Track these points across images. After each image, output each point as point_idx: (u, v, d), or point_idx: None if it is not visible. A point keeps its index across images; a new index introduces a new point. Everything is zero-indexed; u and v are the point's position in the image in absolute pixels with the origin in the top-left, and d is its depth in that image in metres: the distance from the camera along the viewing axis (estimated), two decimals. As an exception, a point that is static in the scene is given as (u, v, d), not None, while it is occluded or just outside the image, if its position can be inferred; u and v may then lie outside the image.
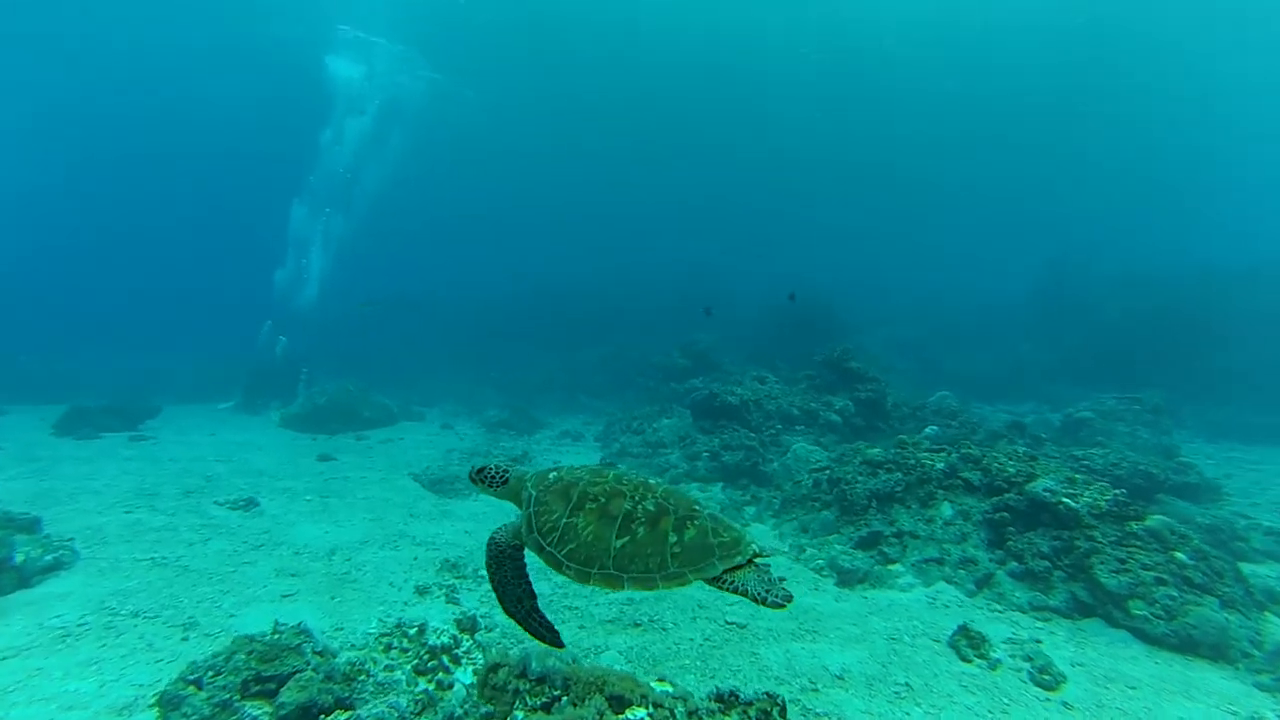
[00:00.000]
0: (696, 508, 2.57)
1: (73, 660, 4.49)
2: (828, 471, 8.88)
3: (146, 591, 5.63)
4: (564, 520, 2.54)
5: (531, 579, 2.73)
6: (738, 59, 34.09)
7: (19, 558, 5.60)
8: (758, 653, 4.96)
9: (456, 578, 6.15)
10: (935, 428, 11.86)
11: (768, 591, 2.37)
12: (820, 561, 7.16)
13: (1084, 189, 46.37)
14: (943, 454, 8.09)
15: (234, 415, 16.77)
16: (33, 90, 35.69)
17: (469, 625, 4.60)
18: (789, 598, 2.34)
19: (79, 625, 4.97)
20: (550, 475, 2.78)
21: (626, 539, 2.44)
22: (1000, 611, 5.83)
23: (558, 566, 2.48)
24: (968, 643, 4.87)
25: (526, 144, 40.49)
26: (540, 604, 2.73)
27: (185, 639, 4.83)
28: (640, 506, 2.52)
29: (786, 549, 7.78)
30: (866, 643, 5.21)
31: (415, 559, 6.57)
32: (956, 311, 31.61)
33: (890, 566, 6.92)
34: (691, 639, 5.16)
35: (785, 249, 44.07)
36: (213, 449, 12.23)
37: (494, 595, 2.74)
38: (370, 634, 4.96)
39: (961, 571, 6.51)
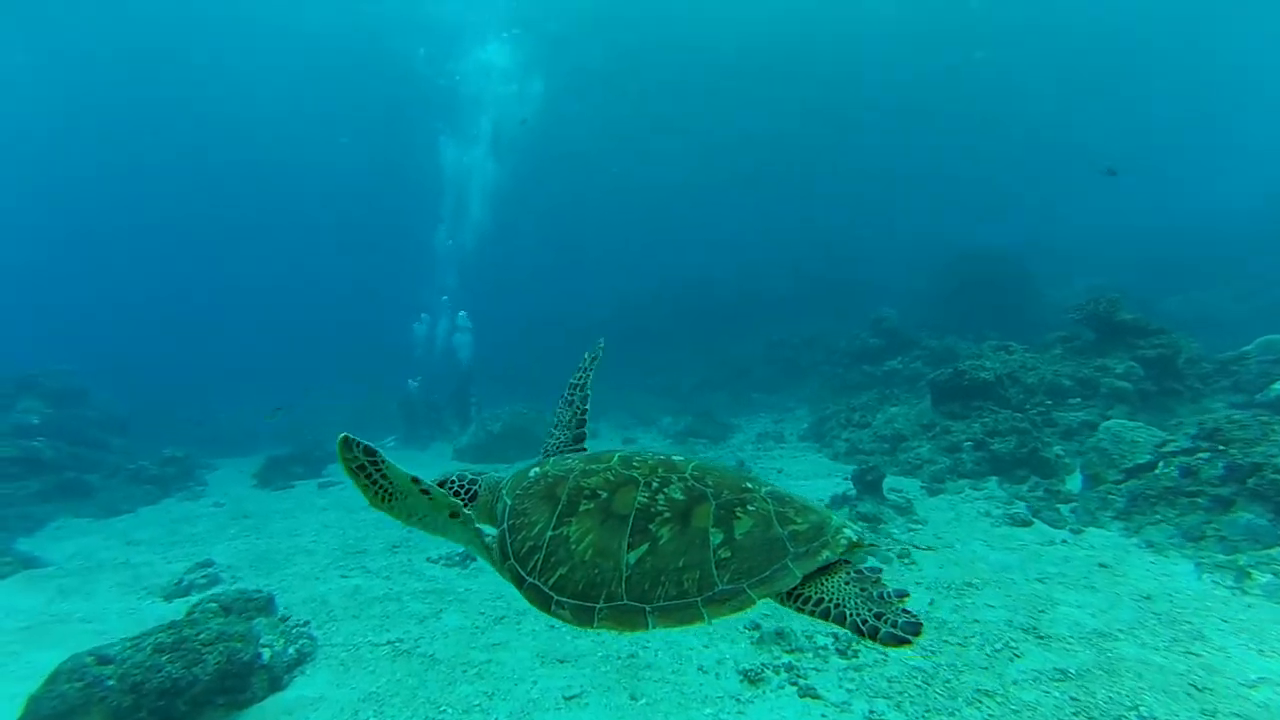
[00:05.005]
0: (748, 486, 1.72)
1: (353, 822, 3.25)
2: (1205, 456, 6.42)
3: (400, 695, 4.43)
4: (550, 533, 1.71)
5: None
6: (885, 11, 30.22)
7: (266, 654, 4.69)
8: None
9: (788, 651, 4.48)
10: (1286, 382, 8.85)
11: (878, 615, 1.40)
12: (1289, 591, 4.80)
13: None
14: None
15: (402, 449, 16.46)
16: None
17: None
18: (916, 628, 1.34)
19: (343, 757, 3.79)
20: (531, 473, 1.99)
21: (645, 548, 1.60)
22: None
23: (545, 605, 1.63)
24: None
25: (644, 137, 38.41)
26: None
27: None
28: (661, 495, 1.67)
29: (1194, 569, 5.45)
30: None
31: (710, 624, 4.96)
32: (1158, 248, 26.55)
33: None
34: (1175, 668, 3.10)
35: (931, 208, 39.31)
36: (399, 491, 11.57)
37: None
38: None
39: None
